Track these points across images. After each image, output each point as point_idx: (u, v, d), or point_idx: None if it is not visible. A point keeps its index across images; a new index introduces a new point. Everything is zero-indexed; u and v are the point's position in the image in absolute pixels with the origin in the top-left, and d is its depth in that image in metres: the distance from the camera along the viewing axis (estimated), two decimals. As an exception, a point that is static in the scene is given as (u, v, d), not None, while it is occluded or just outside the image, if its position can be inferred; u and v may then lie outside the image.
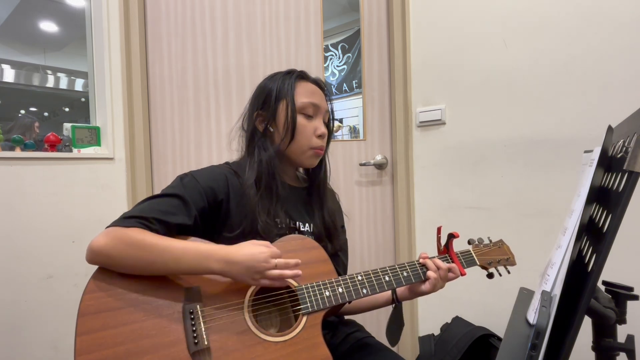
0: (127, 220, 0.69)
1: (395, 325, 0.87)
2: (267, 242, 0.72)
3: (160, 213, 0.71)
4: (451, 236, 0.87)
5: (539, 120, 1.28)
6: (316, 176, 0.93)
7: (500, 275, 0.90)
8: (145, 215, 0.69)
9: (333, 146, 0.96)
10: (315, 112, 0.87)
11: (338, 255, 0.93)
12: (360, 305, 0.92)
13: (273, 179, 0.83)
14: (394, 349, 0.89)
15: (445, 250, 0.88)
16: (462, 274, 0.84)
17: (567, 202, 0.58)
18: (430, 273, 0.81)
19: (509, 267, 0.92)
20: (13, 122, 1.46)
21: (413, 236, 1.59)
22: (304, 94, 0.86)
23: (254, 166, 0.83)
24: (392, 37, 1.59)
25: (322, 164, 0.94)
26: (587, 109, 1.20)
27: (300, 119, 0.85)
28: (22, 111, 1.76)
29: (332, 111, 0.93)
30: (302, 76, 0.89)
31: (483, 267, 0.90)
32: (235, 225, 0.79)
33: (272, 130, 0.86)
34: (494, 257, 0.91)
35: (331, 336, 0.89)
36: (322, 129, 0.87)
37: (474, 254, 0.89)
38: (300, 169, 0.99)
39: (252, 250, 0.68)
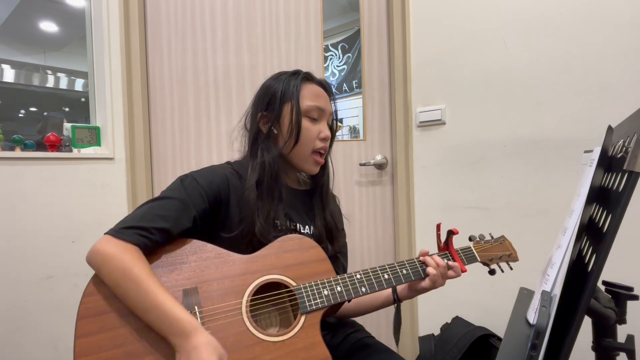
0: (128, 231, 0.67)
1: (397, 324, 0.87)
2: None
3: (160, 220, 0.70)
4: (451, 233, 0.87)
5: (539, 120, 1.28)
6: (319, 178, 0.93)
7: (502, 271, 0.90)
8: (146, 226, 0.68)
9: (333, 146, 0.96)
10: (320, 115, 0.86)
11: (338, 258, 0.92)
12: (360, 306, 0.92)
13: (275, 181, 0.83)
14: (394, 348, 0.89)
15: (446, 247, 0.88)
16: (463, 271, 0.84)
17: (567, 202, 0.58)
18: (430, 269, 0.81)
19: (511, 263, 0.92)
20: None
21: (413, 236, 1.59)
22: (309, 97, 0.85)
23: (256, 168, 0.82)
24: (392, 37, 1.59)
25: (325, 166, 0.93)
26: (587, 109, 1.20)
27: (304, 122, 0.84)
28: (22, 111, 1.76)
29: (336, 113, 0.92)
30: (308, 78, 0.88)
31: (484, 264, 0.89)
32: (234, 226, 0.79)
33: (276, 132, 0.86)
34: (495, 253, 0.90)
35: (331, 336, 0.89)
36: (326, 132, 0.86)
37: (474, 250, 0.89)
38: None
39: (206, 358, 0.60)
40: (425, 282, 0.82)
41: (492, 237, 0.94)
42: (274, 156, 0.83)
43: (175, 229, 0.71)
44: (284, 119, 0.84)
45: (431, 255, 0.85)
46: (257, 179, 0.81)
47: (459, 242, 0.88)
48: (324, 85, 0.90)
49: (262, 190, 0.81)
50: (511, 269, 0.91)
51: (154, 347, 0.63)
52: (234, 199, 0.80)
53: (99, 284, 0.65)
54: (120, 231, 0.68)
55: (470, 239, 0.91)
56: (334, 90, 1.64)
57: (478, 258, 0.89)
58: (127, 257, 0.65)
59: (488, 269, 0.89)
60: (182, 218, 0.72)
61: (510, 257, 0.91)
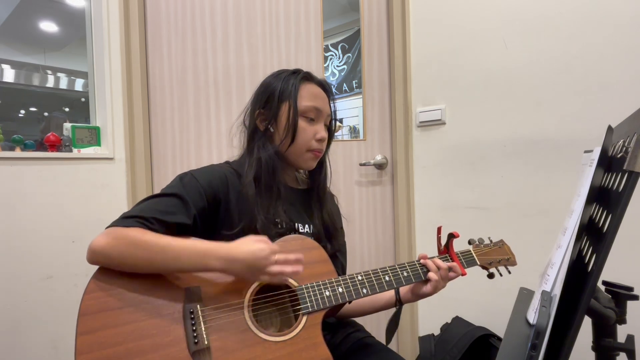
0: (127, 220, 0.69)
1: (393, 325, 0.87)
2: (266, 238, 0.70)
3: (159, 213, 0.71)
4: (451, 236, 0.87)
5: (539, 120, 1.28)
6: (317, 177, 0.93)
7: (501, 275, 0.90)
8: (145, 215, 0.69)
9: (333, 146, 0.96)
10: (317, 115, 0.86)
11: (337, 257, 0.93)
12: (362, 308, 0.92)
13: (273, 178, 0.83)
14: (394, 348, 0.89)
15: (446, 250, 0.88)
16: (463, 274, 0.84)
17: (567, 202, 0.58)
18: (431, 274, 0.81)
19: (509, 267, 0.92)
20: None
21: (413, 236, 1.59)
22: (307, 97, 0.85)
23: (253, 164, 0.83)
24: (392, 37, 1.59)
25: (323, 165, 0.94)
26: (587, 109, 1.20)
27: (301, 122, 0.84)
28: (22, 111, 1.76)
29: (335, 113, 0.92)
30: (307, 77, 0.88)
31: (483, 267, 0.90)
32: (234, 224, 0.79)
33: (272, 130, 0.86)
34: (494, 257, 0.91)
35: (331, 336, 0.89)
36: (322, 133, 0.86)
37: (474, 254, 0.89)
38: (301, 171, 0.99)
39: (252, 247, 0.67)
40: (427, 288, 0.82)
41: (491, 241, 0.95)
42: (271, 154, 0.84)
43: (173, 223, 0.72)
44: (281, 118, 0.85)
45: (431, 258, 0.85)
46: (255, 175, 0.82)
47: (458, 244, 0.88)
48: (323, 85, 0.89)
49: (260, 186, 0.82)
50: (509, 272, 0.92)
51: (156, 344, 0.63)
52: (233, 197, 0.81)
53: (101, 281, 0.65)
54: (121, 221, 0.69)
55: (469, 242, 0.92)
56: (334, 90, 1.65)
57: (478, 262, 0.89)
58: (133, 232, 0.67)
59: (487, 273, 0.90)
60: (180, 214, 0.73)
61: (509, 261, 0.92)
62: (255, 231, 0.78)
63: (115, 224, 0.69)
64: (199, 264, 0.67)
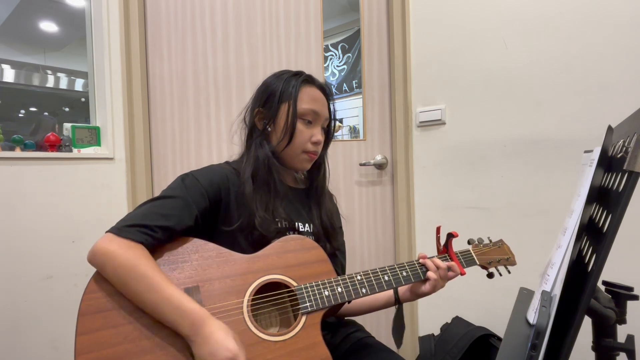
0: (130, 229, 0.67)
1: (396, 327, 0.87)
2: (239, 349, 0.62)
3: (162, 218, 0.70)
4: (450, 236, 0.87)
5: (539, 120, 1.28)
6: (315, 178, 0.94)
7: (500, 275, 0.90)
8: (148, 224, 0.68)
9: (333, 146, 0.96)
10: (315, 119, 0.87)
11: (336, 256, 0.93)
12: (361, 307, 0.92)
13: (270, 175, 0.84)
14: (394, 348, 0.89)
15: (445, 250, 0.88)
16: (462, 274, 0.84)
17: (567, 202, 0.58)
18: (430, 273, 0.81)
19: (509, 267, 0.92)
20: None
21: (413, 236, 1.59)
22: (306, 100, 0.86)
23: (251, 161, 0.84)
24: (392, 37, 1.59)
25: (321, 166, 0.94)
26: (587, 109, 1.20)
27: (299, 125, 0.85)
28: (22, 111, 1.76)
29: (334, 115, 0.93)
30: (309, 80, 0.88)
31: (483, 267, 0.90)
32: (233, 220, 0.80)
33: (270, 129, 0.87)
34: (493, 256, 0.90)
35: (331, 336, 0.89)
36: (318, 137, 0.87)
37: (473, 254, 0.89)
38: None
39: (223, 341, 0.61)
40: (426, 287, 0.82)
41: (490, 241, 0.95)
42: (267, 153, 0.85)
43: (177, 228, 0.71)
44: (280, 119, 0.85)
45: (430, 257, 0.85)
46: (252, 172, 0.83)
47: (458, 244, 0.88)
48: (324, 89, 0.90)
49: (258, 183, 0.82)
50: (509, 272, 0.92)
51: (155, 344, 0.63)
52: (234, 197, 0.81)
53: (101, 281, 0.65)
54: (123, 229, 0.67)
55: (469, 242, 0.92)
56: (334, 90, 1.65)
57: (477, 261, 0.89)
58: (131, 254, 0.65)
59: (486, 273, 0.90)
60: (184, 217, 0.73)
61: (509, 261, 0.92)
62: (253, 227, 0.78)
63: (119, 232, 0.67)
64: (172, 321, 0.63)
